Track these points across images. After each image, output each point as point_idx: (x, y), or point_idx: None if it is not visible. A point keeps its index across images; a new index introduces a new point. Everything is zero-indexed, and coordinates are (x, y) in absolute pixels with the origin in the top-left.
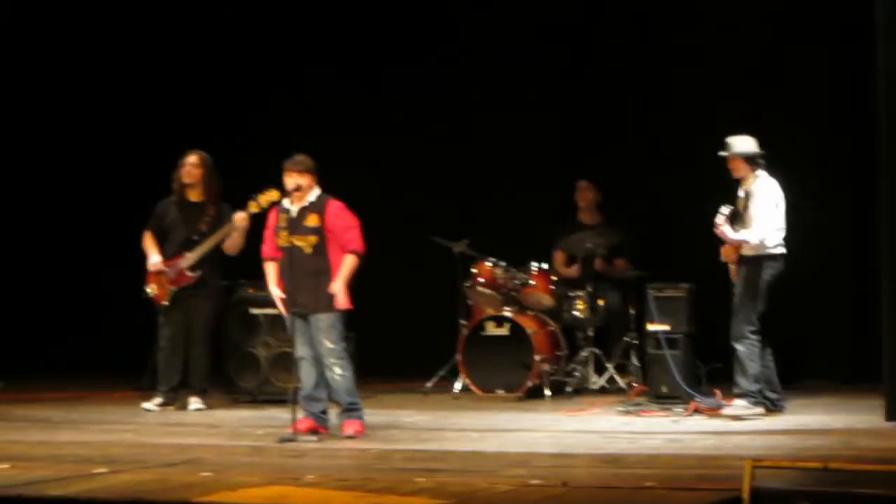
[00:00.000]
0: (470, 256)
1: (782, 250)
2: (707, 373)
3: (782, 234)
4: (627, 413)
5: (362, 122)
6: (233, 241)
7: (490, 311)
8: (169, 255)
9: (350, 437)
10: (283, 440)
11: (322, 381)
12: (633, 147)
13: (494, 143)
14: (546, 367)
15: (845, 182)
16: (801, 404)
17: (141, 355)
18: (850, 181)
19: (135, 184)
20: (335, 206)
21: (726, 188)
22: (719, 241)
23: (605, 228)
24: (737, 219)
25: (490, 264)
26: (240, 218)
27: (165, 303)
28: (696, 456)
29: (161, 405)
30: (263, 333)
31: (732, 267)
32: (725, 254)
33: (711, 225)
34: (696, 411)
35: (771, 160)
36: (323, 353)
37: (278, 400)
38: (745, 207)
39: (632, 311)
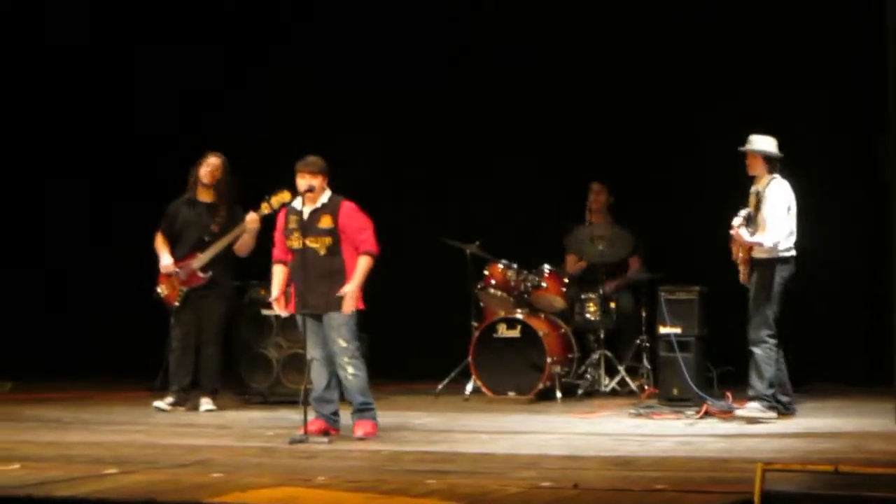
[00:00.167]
0: (482, 258)
1: (794, 253)
2: (718, 375)
3: (794, 238)
4: (638, 415)
5: (374, 122)
6: (244, 243)
7: (502, 313)
8: (180, 255)
9: (362, 438)
10: (294, 441)
11: (333, 382)
12: (645, 149)
13: (507, 145)
14: (557, 369)
15: (858, 183)
16: (811, 407)
17: (152, 356)
18: (863, 182)
19: (147, 184)
20: (348, 208)
21: (737, 189)
22: (729, 243)
23: (618, 229)
24: (749, 221)
25: (502, 266)
26: (251, 219)
27: (176, 304)
28: (707, 459)
29: (172, 405)
30: (275, 334)
31: (742, 269)
32: (735, 250)
33: (723, 227)
34: (708, 414)
35: (786, 163)
36: (336, 352)
37: (289, 401)
38: (757, 209)
39: (643, 314)
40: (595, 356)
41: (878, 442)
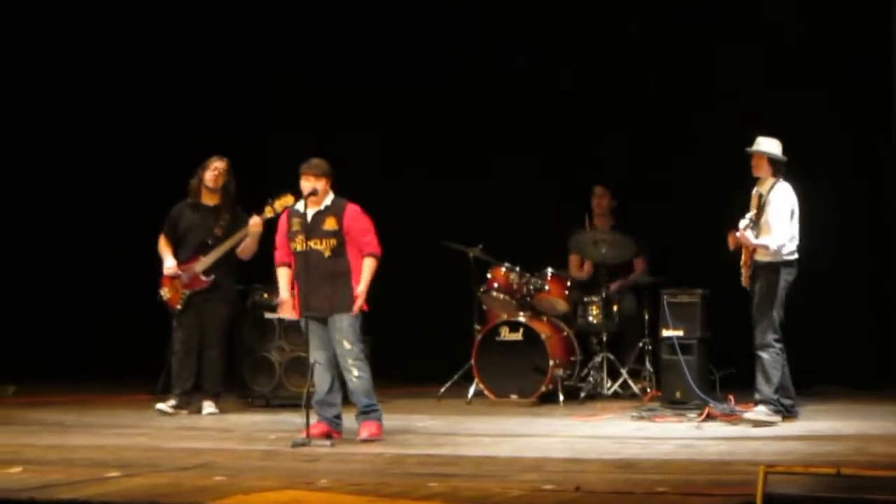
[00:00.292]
0: (485, 261)
1: (797, 256)
2: (721, 378)
3: (796, 241)
4: (641, 418)
5: (374, 122)
6: (247, 246)
7: (504, 316)
8: (184, 259)
9: (367, 440)
10: (297, 444)
11: (336, 385)
12: (645, 149)
13: (507, 145)
14: (560, 372)
15: (861, 183)
16: (814, 410)
17: (155, 359)
18: (866, 184)
19: (149, 187)
20: (352, 210)
21: (739, 190)
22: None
23: (620, 235)
24: (753, 223)
25: (505, 269)
26: (254, 223)
27: (179, 307)
28: (709, 461)
29: (175, 408)
30: (278, 338)
31: (744, 272)
32: (732, 244)
33: (727, 230)
34: (710, 417)
35: (788, 163)
36: (342, 354)
37: (292, 404)
38: (760, 211)
39: (646, 317)
40: (597, 359)
41: (881, 445)
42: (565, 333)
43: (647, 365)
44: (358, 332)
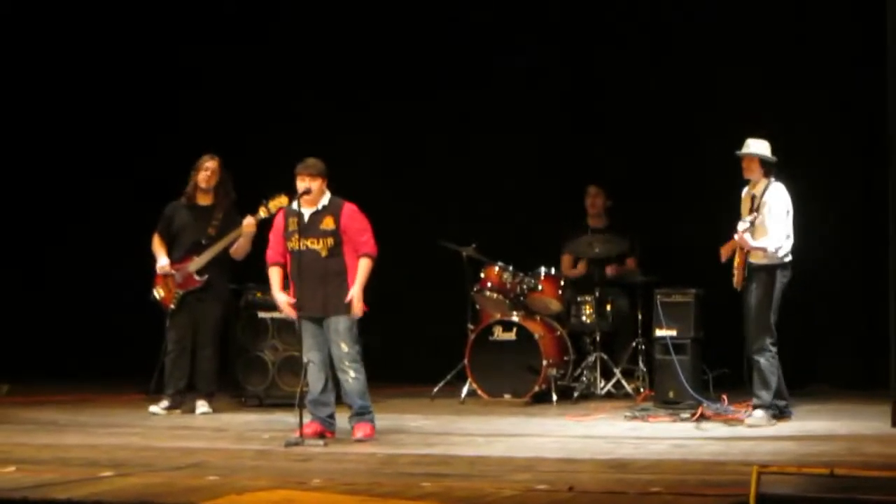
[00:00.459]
0: (478, 261)
1: (791, 258)
2: (714, 378)
3: (791, 242)
4: (634, 418)
5: (374, 122)
6: (240, 246)
7: (498, 316)
8: (177, 258)
9: (361, 440)
10: (290, 444)
11: (330, 385)
12: (645, 149)
13: (504, 147)
14: (553, 371)
15: (857, 182)
16: (807, 410)
17: (148, 358)
18: (861, 181)
19: (142, 186)
20: (350, 209)
21: (735, 190)
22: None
23: (613, 233)
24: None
25: (498, 269)
26: (248, 223)
27: (172, 306)
28: (702, 461)
29: (168, 408)
30: (271, 337)
31: (737, 274)
32: (726, 253)
33: (720, 230)
34: (703, 417)
35: (785, 163)
36: (338, 355)
37: (285, 404)
38: (751, 213)
39: (639, 317)
40: (591, 359)
41: (874, 445)
42: (559, 333)
43: (641, 365)
44: (355, 333)
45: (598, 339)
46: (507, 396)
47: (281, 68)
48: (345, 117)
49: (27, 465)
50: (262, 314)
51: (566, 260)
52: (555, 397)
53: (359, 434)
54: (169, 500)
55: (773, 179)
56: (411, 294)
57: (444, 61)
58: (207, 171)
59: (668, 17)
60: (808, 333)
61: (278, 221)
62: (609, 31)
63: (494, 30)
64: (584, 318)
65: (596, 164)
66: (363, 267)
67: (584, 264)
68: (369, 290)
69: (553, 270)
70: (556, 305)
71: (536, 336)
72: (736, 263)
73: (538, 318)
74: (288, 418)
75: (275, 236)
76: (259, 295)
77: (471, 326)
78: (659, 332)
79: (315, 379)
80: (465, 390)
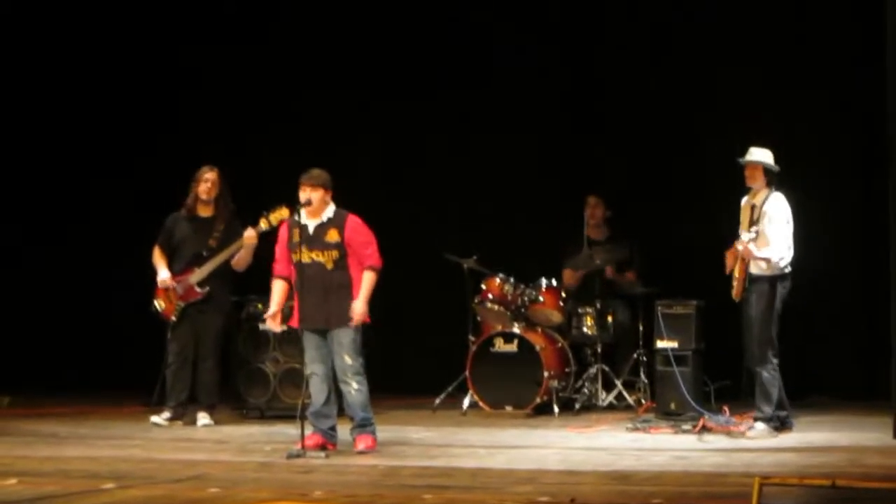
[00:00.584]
0: (479, 272)
1: (791, 269)
2: (715, 390)
3: (791, 252)
4: (636, 430)
5: (374, 122)
6: (241, 258)
7: (499, 328)
8: (178, 270)
9: (361, 453)
10: (292, 456)
11: (332, 397)
12: (645, 149)
13: (504, 147)
14: (555, 383)
15: (858, 184)
16: (808, 421)
17: (149, 370)
18: (859, 184)
19: (143, 198)
20: (354, 222)
21: (736, 196)
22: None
23: (613, 244)
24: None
25: (499, 280)
26: (249, 235)
27: (173, 318)
28: (703, 473)
29: (169, 420)
30: (272, 349)
31: (736, 285)
32: (730, 264)
33: (721, 240)
34: (705, 428)
35: (784, 164)
36: (342, 368)
37: (287, 416)
38: (751, 222)
39: (641, 328)
40: (592, 370)
41: (875, 456)
42: (560, 344)
43: (642, 376)
44: (359, 346)
45: (599, 350)
46: (508, 408)
47: (281, 68)
48: (345, 117)
49: (28, 478)
50: (262, 326)
51: (567, 274)
52: (556, 409)
53: (360, 446)
54: None
55: (773, 189)
56: (413, 306)
57: (444, 61)
58: (208, 182)
59: (668, 17)
60: (809, 344)
61: (283, 233)
62: (609, 31)
63: (494, 30)
64: (585, 329)
65: (596, 164)
66: (367, 280)
67: (580, 274)
68: (372, 301)
69: (554, 282)
70: (557, 317)
71: (538, 348)
72: (736, 275)
73: (539, 329)
74: (289, 430)
75: (281, 248)
76: (260, 307)
77: (472, 338)
78: (660, 344)
79: (317, 391)
80: (466, 402)
